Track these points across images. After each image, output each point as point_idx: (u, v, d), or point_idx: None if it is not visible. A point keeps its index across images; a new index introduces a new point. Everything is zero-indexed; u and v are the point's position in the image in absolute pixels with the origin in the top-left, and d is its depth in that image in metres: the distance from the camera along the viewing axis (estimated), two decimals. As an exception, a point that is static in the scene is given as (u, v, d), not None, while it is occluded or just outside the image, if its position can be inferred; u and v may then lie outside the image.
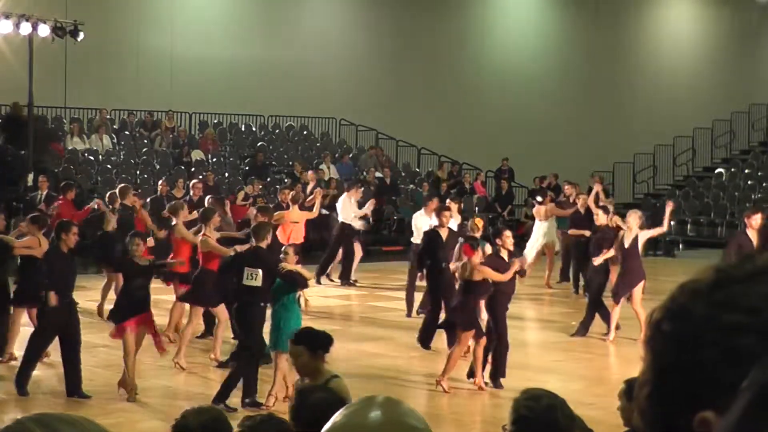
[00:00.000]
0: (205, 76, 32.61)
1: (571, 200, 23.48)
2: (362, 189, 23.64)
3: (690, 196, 34.58)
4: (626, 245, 16.35)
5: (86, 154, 28.60)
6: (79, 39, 26.12)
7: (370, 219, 23.28)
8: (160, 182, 24.97)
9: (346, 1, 36.20)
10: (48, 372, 13.83)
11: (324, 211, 24.06)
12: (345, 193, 22.86)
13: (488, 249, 15.57)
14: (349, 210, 22.23)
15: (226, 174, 29.57)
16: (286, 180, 29.16)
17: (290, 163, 31.19)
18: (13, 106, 27.33)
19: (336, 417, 1.88)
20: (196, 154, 30.28)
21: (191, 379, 13.98)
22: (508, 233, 13.75)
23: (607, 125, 38.18)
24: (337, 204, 22.94)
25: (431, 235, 16.10)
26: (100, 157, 28.87)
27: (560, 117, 37.63)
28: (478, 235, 15.54)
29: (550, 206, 22.97)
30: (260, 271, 12.16)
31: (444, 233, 15.91)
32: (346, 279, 22.29)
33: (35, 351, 12.69)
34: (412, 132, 34.15)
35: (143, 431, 11.56)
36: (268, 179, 29.34)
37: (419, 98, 35.78)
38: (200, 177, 25.78)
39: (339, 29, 35.52)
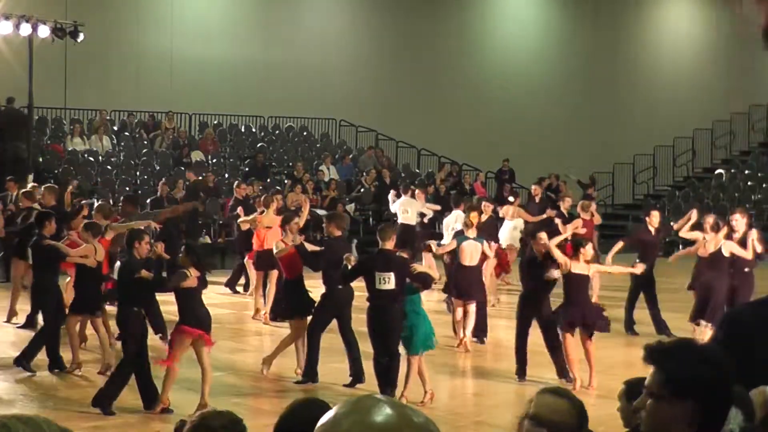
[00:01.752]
0: (205, 76, 32.61)
1: (536, 200, 23.69)
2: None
3: (690, 197, 34.58)
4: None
5: (86, 155, 28.60)
6: (78, 40, 26.12)
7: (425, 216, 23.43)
8: (160, 183, 24.98)
9: (346, 2, 36.20)
10: (51, 379, 13.84)
11: (322, 212, 24.04)
12: (404, 196, 22.92)
13: (486, 247, 15.70)
14: (413, 210, 22.31)
15: (226, 175, 29.56)
16: (286, 181, 29.17)
17: (290, 164, 31.19)
18: None
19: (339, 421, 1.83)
20: (196, 155, 30.27)
21: (191, 379, 13.97)
22: (542, 235, 13.92)
23: (607, 126, 38.19)
24: (395, 206, 22.92)
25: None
26: (100, 158, 28.87)
27: (560, 118, 37.64)
28: (472, 231, 15.66)
29: (516, 208, 23.07)
30: (393, 275, 12.13)
31: (473, 234, 16.04)
32: None
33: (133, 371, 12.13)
34: (411, 133, 34.16)
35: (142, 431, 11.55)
36: (268, 180, 29.33)
37: (419, 99, 35.78)
38: (201, 176, 25.74)
39: (339, 30, 35.52)
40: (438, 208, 24.00)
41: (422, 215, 22.97)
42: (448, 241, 18.99)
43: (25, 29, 24.98)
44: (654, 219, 17.33)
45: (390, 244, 12.40)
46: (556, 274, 13.34)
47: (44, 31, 25.27)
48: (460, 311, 15.90)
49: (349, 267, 12.98)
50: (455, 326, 16.10)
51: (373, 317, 12.34)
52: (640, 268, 15.51)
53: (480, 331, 16.27)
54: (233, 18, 34.04)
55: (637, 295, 17.30)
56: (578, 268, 13.36)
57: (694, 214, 17.16)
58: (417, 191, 23.19)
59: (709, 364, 3.31)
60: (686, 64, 41.40)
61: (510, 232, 22.18)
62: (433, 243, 15.76)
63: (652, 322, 17.22)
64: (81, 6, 28.89)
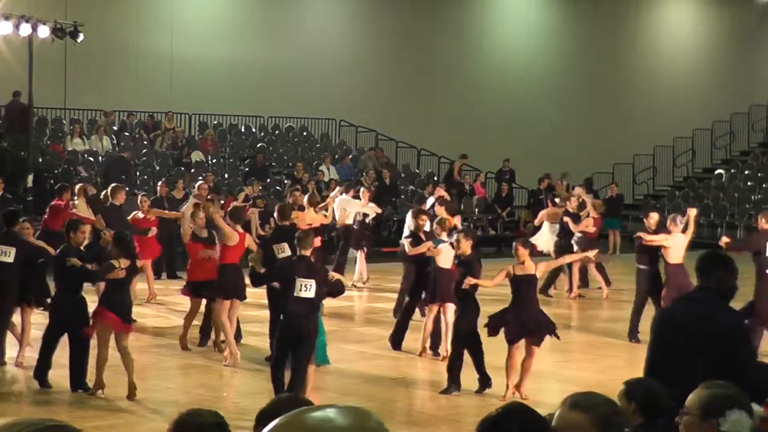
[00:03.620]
0: (205, 76, 32.61)
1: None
2: (358, 187, 23.59)
3: (690, 197, 34.59)
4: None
5: (86, 155, 28.60)
6: (78, 40, 26.13)
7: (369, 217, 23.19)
8: (159, 183, 24.97)
9: (346, 2, 36.20)
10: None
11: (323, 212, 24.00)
12: (344, 195, 22.71)
13: (449, 249, 15.38)
14: (352, 209, 22.15)
15: (226, 175, 29.56)
16: (286, 181, 29.17)
17: (290, 164, 31.19)
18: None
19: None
20: (196, 155, 30.28)
21: (192, 380, 13.98)
22: (462, 237, 13.60)
23: (607, 126, 38.18)
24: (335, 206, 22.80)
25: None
26: (100, 158, 28.86)
27: (560, 118, 37.63)
28: (444, 234, 15.28)
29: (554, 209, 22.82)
30: (314, 282, 11.73)
31: (422, 236, 15.77)
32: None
33: (48, 347, 13.01)
34: (411, 133, 34.15)
35: (143, 432, 11.56)
36: (268, 180, 29.34)
37: (419, 99, 35.78)
38: (201, 177, 25.79)
39: (339, 30, 35.52)
40: (379, 210, 23.74)
41: (365, 215, 22.75)
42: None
43: (25, 29, 24.97)
44: (651, 220, 17.23)
45: (309, 251, 11.96)
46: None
47: (44, 31, 25.27)
48: (432, 318, 15.21)
49: (257, 269, 12.73)
50: (425, 333, 15.30)
51: (290, 325, 11.73)
52: (592, 253, 16.41)
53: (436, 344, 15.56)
54: (233, 18, 34.04)
55: (645, 301, 16.75)
56: (521, 268, 12.83)
57: (692, 213, 17.22)
58: (362, 190, 22.82)
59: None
60: (686, 65, 41.39)
61: (549, 236, 21.92)
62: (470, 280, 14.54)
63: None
64: (81, 6, 28.90)
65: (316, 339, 12.00)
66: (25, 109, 26.86)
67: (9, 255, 13.96)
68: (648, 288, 16.68)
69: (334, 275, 12.45)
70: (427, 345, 15.34)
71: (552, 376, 13.87)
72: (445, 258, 14.97)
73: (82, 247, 13.14)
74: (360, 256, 22.39)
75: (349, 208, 22.13)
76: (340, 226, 22.16)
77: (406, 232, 17.36)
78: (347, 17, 36.00)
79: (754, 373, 6.15)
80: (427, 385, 13.97)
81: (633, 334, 16.84)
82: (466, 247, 13.47)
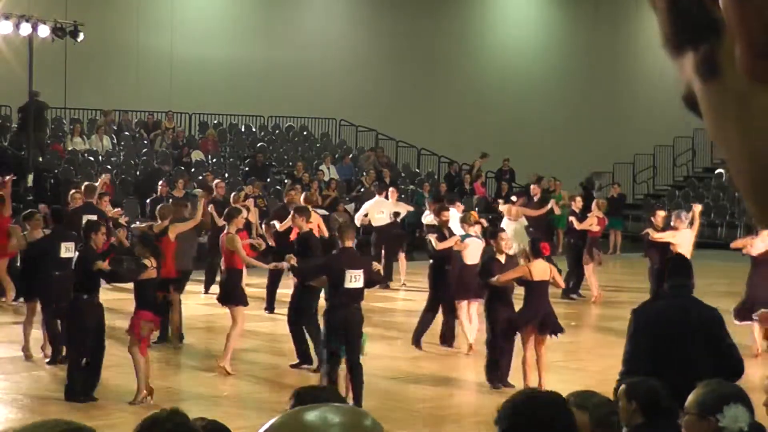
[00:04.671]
0: (205, 76, 32.62)
1: (535, 200, 23.83)
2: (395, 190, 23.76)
3: (690, 196, 34.58)
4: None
5: (86, 155, 28.60)
6: (78, 39, 26.13)
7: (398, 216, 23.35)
8: (159, 183, 24.98)
9: (346, 2, 36.21)
10: (42, 373, 13.85)
11: (323, 212, 24.03)
12: (378, 196, 22.84)
13: (476, 244, 15.34)
14: (387, 210, 22.25)
15: (226, 175, 29.55)
16: (286, 181, 29.17)
17: (290, 164, 31.19)
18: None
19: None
20: (196, 155, 30.28)
21: (192, 380, 13.98)
22: (504, 235, 13.62)
23: (607, 125, 38.18)
24: (366, 206, 22.82)
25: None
26: (100, 157, 28.86)
27: (560, 117, 37.64)
28: (470, 228, 15.29)
29: (519, 207, 22.98)
30: (362, 272, 11.90)
31: (446, 233, 15.83)
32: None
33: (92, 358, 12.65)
34: (412, 132, 34.15)
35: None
36: (268, 180, 29.33)
37: (419, 99, 35.78)
38: (201, 176, 25.86)
39: (339, 29, 35.52)
40: (411, 208, 23.94)
41: (396, 214, 22.89)
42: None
43: (25, 29, 24.97)
44: (658, 218, 17.35)
45: (351, 242, 12.11)
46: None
47: (44, 31, 25.27)
48: (464, 313, 15.21)
49: (296, 265, 12.74)
50: (464, 331, 15.26)
51: (341, 318, 11.87)
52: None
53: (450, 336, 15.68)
54: (233, 18, 34.04)
55: None
56: (538, 274, 12.88)
57: (697, 209, 17.31)
58: (391, 190, 23.00)
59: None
60: (686, 64, 41.39)
61: (513, 230, 22.05)
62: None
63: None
64: (81, 6, 28.89)
65: (361, 328, 12.08)
66: (44, 108, 26.91)
67: (70, 251, 13.96)
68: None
69: (377, 265, 12.67)
70: (426, 342, 15.43)
71: (553, 375, 13.85)
72: (472, 253, 14.93)
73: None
74: (401, 256, 22.62)
75: (386, 209, 22.32)
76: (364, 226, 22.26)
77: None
78: (347, 17, 36.01)
79: (737, 354, 7.37)
80: (429, 384, 13.97)
81: None
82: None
